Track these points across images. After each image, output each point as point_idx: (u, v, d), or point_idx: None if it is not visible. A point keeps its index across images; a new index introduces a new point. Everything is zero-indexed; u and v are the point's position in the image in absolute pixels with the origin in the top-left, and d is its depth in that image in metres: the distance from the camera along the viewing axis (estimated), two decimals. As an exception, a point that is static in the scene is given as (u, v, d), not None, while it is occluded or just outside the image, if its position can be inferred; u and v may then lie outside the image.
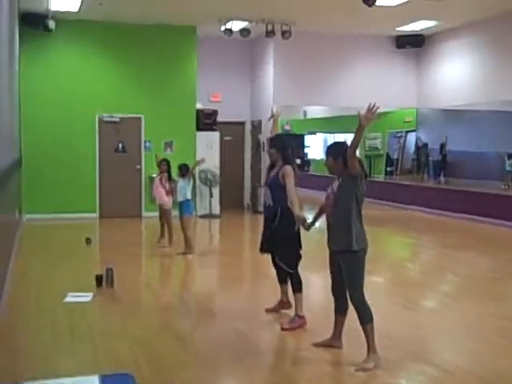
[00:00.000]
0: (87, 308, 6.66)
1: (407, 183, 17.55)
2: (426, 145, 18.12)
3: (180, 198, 9.82)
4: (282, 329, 5.82)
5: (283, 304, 6.36)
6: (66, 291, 7.14)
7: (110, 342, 5.53)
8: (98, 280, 7.46)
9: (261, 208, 15.02)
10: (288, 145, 6.05)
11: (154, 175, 10.86)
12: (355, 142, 4.74)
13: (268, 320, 6.21)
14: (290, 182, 5.79)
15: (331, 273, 5.17)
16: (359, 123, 4.63)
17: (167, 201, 10.23)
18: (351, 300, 4.97)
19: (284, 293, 6.34)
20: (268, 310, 6.41)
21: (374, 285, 8.28)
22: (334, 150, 5.09)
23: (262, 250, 6.25)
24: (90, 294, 7.07)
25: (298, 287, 6.02)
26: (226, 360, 5.12)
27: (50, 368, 4.83)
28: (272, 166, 6.13)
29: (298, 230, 5.85)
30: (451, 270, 9.28)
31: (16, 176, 10.70)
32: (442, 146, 17.00)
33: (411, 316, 6.56)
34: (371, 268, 8.88)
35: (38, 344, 5.51)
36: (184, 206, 9.81)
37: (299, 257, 6.02)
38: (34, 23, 13.24)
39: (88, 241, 10.61)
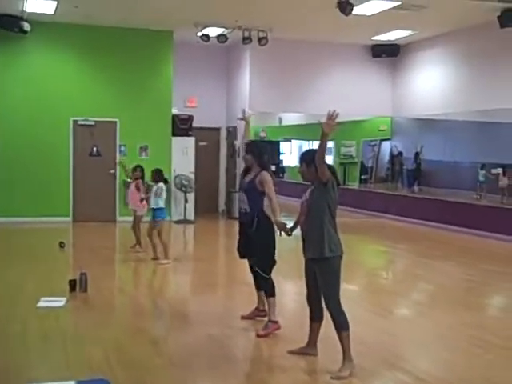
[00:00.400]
0: (60, 313, 6.59)
1: (381, 191, 17.67)
2: (400, 153, 18.26)
3: (153, 205, 9.69)
4: (258, 335, 5.81)
5: (259, 312, 6.34)
6: (38, 296, 7.07)
7: (83, 347, 5.48)
8: (72, 285, 7.39)
9: (236, 214, 15.10)
10: (264, 151, 6.09)
11: (129, 180, 10.77)
12: (321, 150, 4.80)
13: (243, 327, 6.20)
14: (270, 188, 5.81)
15: (306, 281, 5.18)
16: (322, 131, 4.71)
17: (141, 207, 10.18)
18: (327, 307, 4.98)
19: (261, 300, 6.31)
20: (244, 317, 6.38)
21: (348, 292, 8.29)
22: (307, 156, 5.12)
23: (240, 255, 6.24)
24: (64, 299, 7.00)
25: (271, 292, 6.01)
26: (200, 365, 5.11)
27: (22, 375, 4.77)
28: (246, 172, 6.12)
29: (274, 235, 5.86)
30: (425, 278, 9.34)
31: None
32: (417, 155, 17.13)
33: (385, 323, 6.59)
34: (345, 276, 8.90)
35: (10, 350, 5.42)
36: (157, 212, 9.68)
37: (274, 262, 6.03)
38: (8, 25, 13.11)
39: (61, 245, 10.52)
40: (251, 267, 6.18)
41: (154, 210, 9.62)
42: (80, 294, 7.32)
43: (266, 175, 5.89)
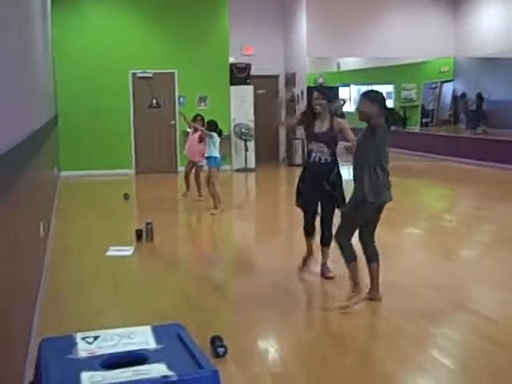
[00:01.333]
0: (129, 261, 6.75)
1: (444, 134, 17.32)
2: (464, 94, 17.78)
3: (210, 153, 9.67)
4: (326, 277, 5.87)
5: (323, 268, 6.04)
6: (106, 245, 7.24)
7: (152, 294, 5.62)
8: (138, 234, 7.54)
9: (297, 161, 15.10)
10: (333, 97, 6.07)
11: (189, 130, 10.79)
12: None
13: (306, 273, 6.23)
14: (351, 134, 5.70)
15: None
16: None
17: (202, 158, 10.13)
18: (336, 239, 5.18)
19: (326, 255, 6.07)
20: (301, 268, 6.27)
21: (414, 236, 8.28)
22: (374, 95, 5.06)
23: (308, 204, 6.02)
24: (131, 248, 7.16)
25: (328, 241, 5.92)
26: (264, 311, 5.15)
27: (95, 322, 4.91)
28: (310, 119, 5.94)
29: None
30: (490, 219, 9.18)
31: (53, 134, 10.78)
32: (480, 96, 16.67)
33: (451, 266, 6.53)
34: (409, 220, 8.94)
35: (82, 297, 5.61)
36: (209, 160, 9.74)
37: None
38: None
39: (126, 196, 10.70)
40: (319, 220, 5.99)
41: (206, 157, 9.67)
42: (146, 243, 7.47)
43: (343, 122, 5.85)
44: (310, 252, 6.18)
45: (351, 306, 4.99)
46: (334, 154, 5.84)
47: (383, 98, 5.05)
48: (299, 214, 6.24)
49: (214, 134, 9.50)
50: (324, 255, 5.99)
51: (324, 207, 5.93)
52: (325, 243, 5.95)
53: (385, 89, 22.34)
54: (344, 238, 5.07)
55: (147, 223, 7.59)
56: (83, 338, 2.64)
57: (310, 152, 5.90)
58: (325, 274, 5.91)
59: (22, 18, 5.24)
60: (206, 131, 9.57)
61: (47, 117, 8.75)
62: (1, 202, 3.07)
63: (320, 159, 5.83)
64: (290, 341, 4.57)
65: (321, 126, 5.84)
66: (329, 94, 6.01)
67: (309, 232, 6.09)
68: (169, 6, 14.36)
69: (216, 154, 9.52)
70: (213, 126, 9.59)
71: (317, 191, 5.85)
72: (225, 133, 11.03)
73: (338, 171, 5.88)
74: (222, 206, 9.49)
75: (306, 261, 6.20)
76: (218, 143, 9.54)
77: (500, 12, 14.99)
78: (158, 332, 2.68)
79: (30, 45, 6.01)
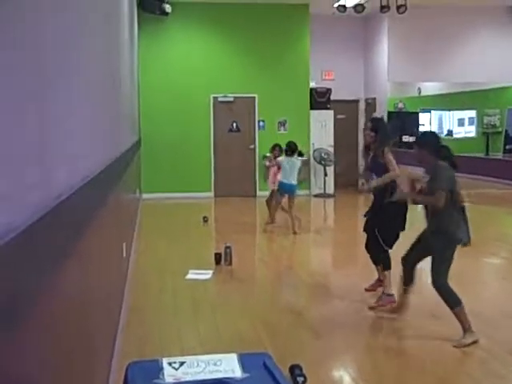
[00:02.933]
0: (208, 285, 6.80)
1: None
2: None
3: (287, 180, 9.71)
4: (369, 307, 5.81)
5: (381, 282, 6.25)
6: (186, 269, 7.32)
7: (232, 319, 5.63)
8: (217, 258, 7.59)
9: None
10: (382, 127, 6.07)
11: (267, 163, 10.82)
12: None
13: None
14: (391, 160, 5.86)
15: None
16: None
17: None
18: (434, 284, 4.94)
19: (380, 273, 6.25)
20: (367, 290, 6.37)
21: (496, 266, 8.03)
22: (419, 139, 5.36)
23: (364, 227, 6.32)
24: (210, 272, 7.21)
25: (387, 265, 6.01)
26: (345, 336, 5.09)
27: (175, 345, 4.95)
28: (367, 149, 6.20)
29: (406, 210, 5.81)
30: None
31: (136, 157, 11.02)
32: None
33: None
34: (492, 249, 8.67)
35: (162, 320, 5.66)
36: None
37: (397, 237, 5.97)
38: (151, 8, 13.54)
39: (205, 219, 10.81)
40: (367, 241, 6.23)
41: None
42: (225, 266, 7.50)
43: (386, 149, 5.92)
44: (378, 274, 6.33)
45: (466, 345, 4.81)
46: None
47: (432, 138, 5.13)
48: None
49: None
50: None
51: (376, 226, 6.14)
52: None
53: (467, 114, 21.95)
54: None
55: (226, 247, 7.63)
56: (169, 364, 2.65)
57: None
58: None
59: (112, 45, 5.40)
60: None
61: (132, 141, 8.96)
62: (90, 222, 3.14)
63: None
64: (370, 371, 4.48)
65: (374, 158, 6.04)
66: (378, 124, 6.07)
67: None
68: (250, 30, 14.53)
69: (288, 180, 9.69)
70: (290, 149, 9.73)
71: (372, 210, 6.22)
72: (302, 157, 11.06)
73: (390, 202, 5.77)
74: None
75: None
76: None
77: None
78: (244, 360, 2.66)
79: (118, 71, 6.18)
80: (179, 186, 14.32)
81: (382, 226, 5.98)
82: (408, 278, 5.32)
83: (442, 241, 4.87)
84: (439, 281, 4.84)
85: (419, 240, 5.20)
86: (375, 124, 6.03)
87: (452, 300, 4.86)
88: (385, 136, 5.95)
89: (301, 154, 9.78)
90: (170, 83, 14.29)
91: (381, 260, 6.09)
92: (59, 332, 2.21)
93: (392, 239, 5.96)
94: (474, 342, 4.80)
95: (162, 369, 2.60)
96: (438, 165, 4.86)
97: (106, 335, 4.04)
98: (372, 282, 6.42)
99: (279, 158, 9.85)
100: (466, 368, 4.52)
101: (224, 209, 13.31)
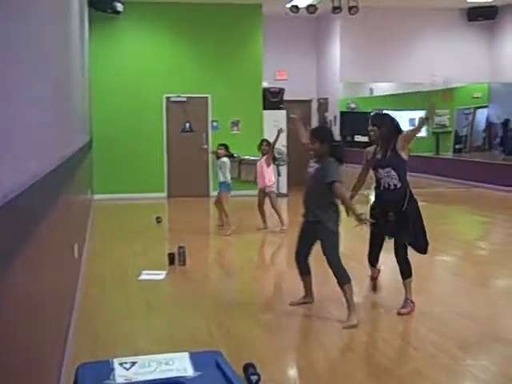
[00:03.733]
0: (161, 286, 6.76)
1: (477, 160, 17.13)
2: (508, 120, 17.51)
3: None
4: (399, 313, 5.49)
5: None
6: (139, 269, 7.26)
7: (185, 319, 5.61)
8: (171, 258, 7.55)
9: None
10: (386, 121, 5.74)
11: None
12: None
13: (339, 296, 6.17)
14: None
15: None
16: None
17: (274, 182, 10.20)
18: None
19: (408, 289, 5.68)
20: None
21: (448, 263, 8.17)
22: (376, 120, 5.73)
23: (388, 235, 5.68)
24: (164, 272, 7.17)
25: (409, 273, 5.63)
26: (299, 334, 5.13)
27: (128, 346, 4.91)
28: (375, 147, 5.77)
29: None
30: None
31: (87, 157, 10.90)
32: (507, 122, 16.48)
33: (487, 295, 6.44)
34: (444, 247, 8.81)
35: (115, 321, 5.61)
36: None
37: (427, 241, 5.65)
38: (102, 6, 13.40)
39: (158, 220, 10.74)
40: (396, 249, 5.64)
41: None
42: (179, 266, 7.47)
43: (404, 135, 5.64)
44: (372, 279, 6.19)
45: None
46: (405, 181, 5.59)
47: (328, 133, 5.64)
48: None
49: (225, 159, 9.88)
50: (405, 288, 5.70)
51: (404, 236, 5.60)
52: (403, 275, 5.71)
53: (418, 115, 22.27)
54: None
55: (179, 247, 7.61)
56: (120, 364, 2.63)
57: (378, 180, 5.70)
58: (399, 311, 5.58)
59: (61, 42, 5.33)
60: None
61: (83, 141, 8.85)
62: (39, 222, 3.09)
63: (388, 185, 5.59)
64: (322, 366, 4.51)
65: (388, 152, 5.62)
66: (381, 118, 5.86)
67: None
68: (204, 31, 14.49)
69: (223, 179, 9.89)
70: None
71: (390, 218, 5.58)
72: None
73: (411, 203, 5.53)
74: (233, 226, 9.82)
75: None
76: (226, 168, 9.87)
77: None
78: (196, 359, 2.65)
79: (68, 70, 6.10)
80: (132, 187, 14.20)
81: (413, 236, 5.56)
82: (305, 270, 5.82)
83: (331, 228, 5.35)
84: (334, 260, 5.40)
85: (303, 232, 5.68)
86: (375, 119, 5.78)
87: (343, 277, 5.38)
88: (389, 130, 5.61)
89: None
90: (122, 83, 14.15)
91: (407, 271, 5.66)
92: (5, 335, 2.17)
93: (426, 245, 5.64)
94: (358, 323, 5.26)
95: (112, 369, 2.58)
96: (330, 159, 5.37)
97: (56, 337, 3.99)
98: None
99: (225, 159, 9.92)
100: (417, 363, 4.58)
101: (177, 209, 13.26)
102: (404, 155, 5.56)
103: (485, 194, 14.94)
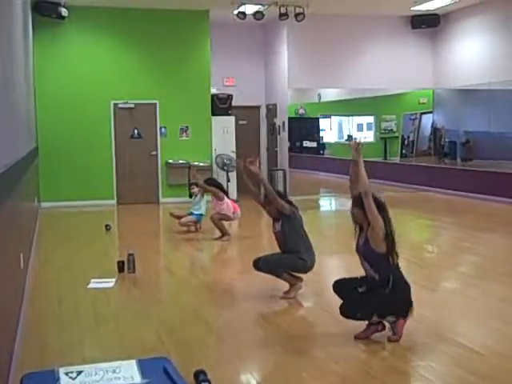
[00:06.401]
0: (111, 294, 6.67)
1: (424, 164, 17.44)
2: (442, 126, 17.94)
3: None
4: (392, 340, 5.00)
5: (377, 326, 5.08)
6: (88, 278, 7.17)
7: (135, 327, 5.55)
8: (120, 266, 7.47)
9: (290, 192, 15.23)
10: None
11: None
12: (362, 178, 5.07)
13: (289, 305, 6.20)
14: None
15: None
16: (353, 159, 5.05)
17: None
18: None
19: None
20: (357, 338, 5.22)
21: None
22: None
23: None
24: (113, 280, 7.09)
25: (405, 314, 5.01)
26: (250, 342, 5.12)
27: (76, 355, 4.84)
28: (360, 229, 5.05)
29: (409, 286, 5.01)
30: (473, 250, 9.17)
31: (33, 165, 10.72)
32: (458, 128, 16.82)
33: (435, 297, 6.54)
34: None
35: (64, 331, 5.51)
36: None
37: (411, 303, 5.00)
38: (46, 11, 13.22)
39: (107, 227, 10.64)
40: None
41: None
42: (128, 274, 7.40)
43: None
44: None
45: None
46: (382, 269, 4.92)
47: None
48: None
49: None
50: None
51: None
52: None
53: (366, 120, 22.54)
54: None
55: (129, 254, 7.53)
56: (66, 373, 2.58)
57: None
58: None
59: (4, 46, 5.23)
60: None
61: (28, 148, 8.70)
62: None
63: (367, 275, 5.02)
64: (273, 372, 4.52)
65: (362, 239, 5.00)
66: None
67: None
68: (151, 37, 14.42)
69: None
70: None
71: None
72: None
73: (395, 287, 4.88)
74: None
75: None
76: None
77: (475, 44, 15.22)
78: (143, 366, 2.63)
79: (11, 75, 5.99)
80: (81, 194, 14.02)
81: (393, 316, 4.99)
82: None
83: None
84: (259, 264, 6.32)
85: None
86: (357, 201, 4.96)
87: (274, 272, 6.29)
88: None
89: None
90: (69, 89, 13.96)
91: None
92: None
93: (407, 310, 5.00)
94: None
95: (58, 379, 2.53)
96: None
97: (1, 349, 3.90)
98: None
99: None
100: (368, 366, 4.62)
101: (127, 216, 13.14)
102: (375, 247, 4.88)
103: (431, 198, 15.20)
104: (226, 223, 10.15)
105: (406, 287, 4.98)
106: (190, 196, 10.58)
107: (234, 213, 10.14)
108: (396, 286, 4.86)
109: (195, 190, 10.46)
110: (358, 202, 4.87)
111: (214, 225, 9.94)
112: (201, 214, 10.39)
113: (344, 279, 5.21)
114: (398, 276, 4.94)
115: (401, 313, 4.94)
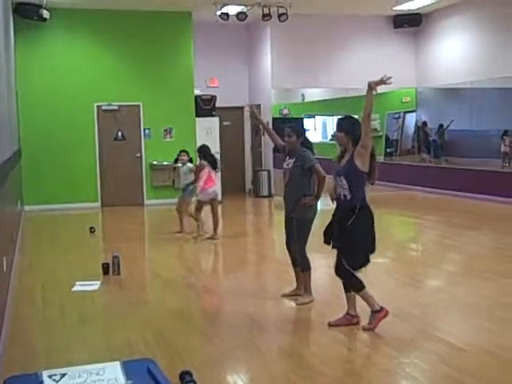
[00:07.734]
0: (96, 296, 6.66)
1: (408, 163, 17.52)
2: (425, 123, 18.02)
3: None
4: (368, 329, 5.19)
5: (352, 318, 5.39)
6: (73, 280, 7.15)
7: (120, 329, 5.53)
8: (105, 268, 7.46)
9: (263, 192, 15.30)
10: (356, 127, 5.37)
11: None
12: (368, 106, 5.25)
13: (276, 302, 6.21)
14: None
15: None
16: (369, 86, 5.29)
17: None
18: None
19: (350, 303, 5.44)
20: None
21: (379, 265, 8.28)
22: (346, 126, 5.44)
23: (326, 240, 5.46)
24: (98, 283, 7.08)
25: (358, 287, 5.30)
26: (236, 341, 5.12)
27: (61, 358, 4.82)
28: (342, 155, 5.39)
29: (373, 229, 5.35)
30: (457, 248, 9.23)
31: (16, 168, 10.66)
32: (441, 126, 16.91)
33: (419, 294, 6.57)
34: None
35: (49, 334, 5.49)
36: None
37: (367, 260, 5.33)
38: (27, 13, 13.14)
39: (92, 230, 10.60)
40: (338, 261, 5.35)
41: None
42: (113, 276, 7.39)
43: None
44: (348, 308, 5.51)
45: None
46: (356, 195, 5.29)
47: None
48: (268, 244, 6.25)
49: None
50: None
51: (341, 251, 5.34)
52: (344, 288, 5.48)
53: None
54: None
55: (114, 256, 7.52)
56: (50, 376, 2.57)
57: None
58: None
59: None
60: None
61: (10, 151, 8.65)
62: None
63: (339, 194, 5.33)
64: (260, 372, 4.52)
65: (345, 160, 5.37)
66: (350, 123, 5.52)
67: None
68: (134, 38, 14.38)
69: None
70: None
71: (336, 227, 5.36)
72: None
73: (357, 220, 5.21)
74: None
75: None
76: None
77: (457, 43, 15.31)
78: (127, 368, 2.62)
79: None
80: (64, 197, 13.95)
81: (345, 253, 5.27)
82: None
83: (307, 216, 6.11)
84: (300, 248, 6.06)
85: (286, 227, 6.24)
86: (345, 124, 5.47)
87: (306, 265, 6.11)
88: (356, 136, 5.30)
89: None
90: (51, 91, 13.89)
91: (350, 286, 5.37)
92: None
93: (359, 263, 5.29)
94: (311, 301, 6.00)
95: (41, 382, 2.52)
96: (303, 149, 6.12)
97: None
98: (291, 289, 6.32)
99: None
100: (352, 365, 4.64)
101: (111, 218, 13.10)
102: (360, 165, 5.24)
103: (415, 196, 15.28)
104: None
105: (369, 219, 5.44)
106: (174, 184, 10.47)
107: (204, 189, 9.74)
108: (360, 216, 5.27)
109: (184, 157, 10.33)
110: (342, 127, 5.46)
111: (215, 219, 9.91)
112: (192, 184, 10.04)
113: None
114: (365, 205, 5.43)
115: (365, 251, 5.35)
